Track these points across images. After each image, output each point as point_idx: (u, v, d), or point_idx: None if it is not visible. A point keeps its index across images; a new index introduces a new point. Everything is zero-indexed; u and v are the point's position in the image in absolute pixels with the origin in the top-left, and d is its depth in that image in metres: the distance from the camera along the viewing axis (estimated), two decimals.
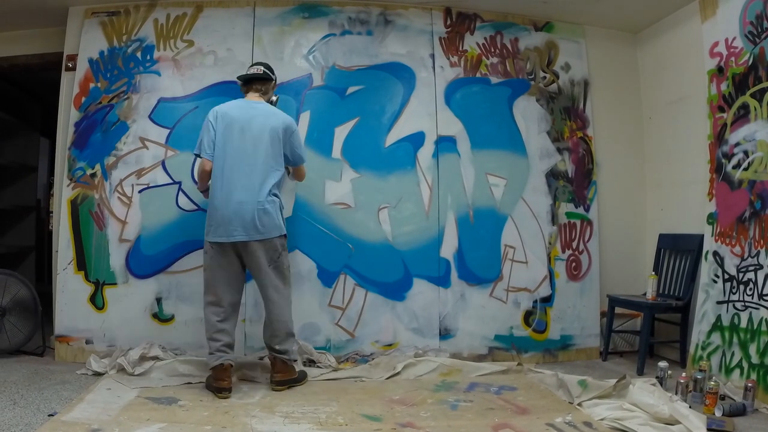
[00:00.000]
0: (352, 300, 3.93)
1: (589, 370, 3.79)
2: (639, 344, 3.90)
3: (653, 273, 3.95)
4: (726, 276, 3.40)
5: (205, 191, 3.36)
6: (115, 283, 3.81)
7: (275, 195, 3.17)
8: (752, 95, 3.29)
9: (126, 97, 3.92)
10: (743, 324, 3.22)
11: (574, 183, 4.26)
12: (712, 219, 3.57)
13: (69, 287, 3.80)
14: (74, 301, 3.78)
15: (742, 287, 3.28)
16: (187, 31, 3.98)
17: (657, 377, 3.27)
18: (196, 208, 3.86)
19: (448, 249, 4.03)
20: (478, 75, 4.18)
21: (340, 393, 3.21)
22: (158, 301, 3.81)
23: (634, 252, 4.41)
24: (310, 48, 4.04)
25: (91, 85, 3.92)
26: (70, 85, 3.96)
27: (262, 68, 3.34)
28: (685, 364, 3.73)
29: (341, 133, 3.99)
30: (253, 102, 3.27)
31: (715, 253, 3.50)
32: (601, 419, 2.74)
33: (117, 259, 3.82)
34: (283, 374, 3.24)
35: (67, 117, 3.94)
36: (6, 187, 5.59)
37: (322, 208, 3.94)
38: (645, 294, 3.95)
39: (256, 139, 3.14)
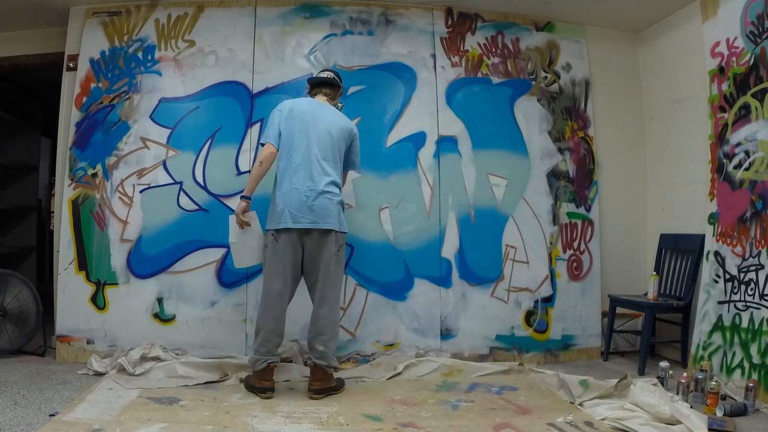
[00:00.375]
0: (353, 300, 3.93)
1: (591, 370, 3.79)
2: (640, 344, 3.90)
3: (654, 273, 3.95)
4: (727, 276, 3.40)
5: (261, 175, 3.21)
6: (116, 283, 3.81)
7: (340, 190, 3.21)
8: (753, 95, 3.29)
9: (127, 97, 3.92)
10: (744, 324, 3.22)
11: (576, 183, 4.26)
12: (713, 219, 3.57)
13: (70, 287, 3.80)
14: (75, 301, 3.78)
15: (743, 287, 3.27)
16: (188, 31, 3.99)
17: (658, 377, 3.27)
18: (197, 208, 3.87)
19: (450, 249, 4.03)
20: (479, 75, 4.18)
21: (341, 393, 3.20)
22: (159, 301, 3.81)
23: (635, 252, 4.41)
24: (312, 48, 4.04)
25: (93, 85, 3.92)
26: (71, 85, 3.96)
27: (332, 75, 3.39)
28: (686, 364, 3.73)
29: None
30: (321, 102, 3.32)
31: (717, 253, 3.50)
32: (603, 419, 2.74)
33: (118, 259, 3.82)
34: (322, 382, 3.15)
35: (69, 117, 3.94)
36: (7, 187, 5.59)
37: None
38: (646, 294, 3.95)
39: (325, 133, 3.16)
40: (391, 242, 3.97)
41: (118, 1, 3.99)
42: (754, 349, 3.12)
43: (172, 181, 3.88)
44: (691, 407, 2.79)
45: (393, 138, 4.04)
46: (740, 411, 2.87)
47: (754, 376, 3.08)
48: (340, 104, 3.46)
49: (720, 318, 3.40)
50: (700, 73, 3.75)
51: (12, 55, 4.34)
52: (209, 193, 3.88)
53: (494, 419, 2.80)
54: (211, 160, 3.90)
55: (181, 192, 3.87)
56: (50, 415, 2.69)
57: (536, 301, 4.13)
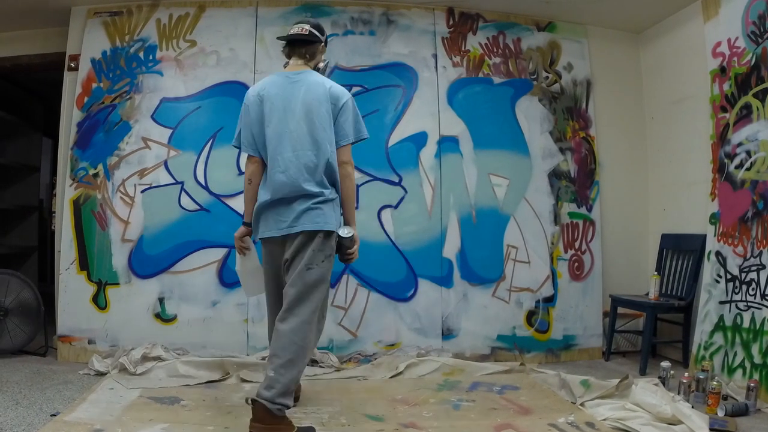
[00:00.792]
0: (355, 300, 3.93)
1: (592, 370, 3.79)
2: (641, 344, 3.90)
3: (656, 273, 3.95)
4: (728, 276, 3.39)
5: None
6: (118, 283, 3.81)
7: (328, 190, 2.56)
8: (755, 95, 3.29)
9: (128, 97, 3.92)
10: (746, 324, 3.22)
11: (577, 183, 4.26)
12: (714, 219, 3.57)
13: (71, 287, 3.80)
14: (77, 301, 3.79)
15: (744, 287, 3.27)
16: (190, 31, 3.99)
17: (659, 377, 3.27)
18: (198, 208, 3.87)
19: (451, 249, 4.03)
20: (480, 75, 4.18)
21: (342, 393, 3.21)
22: (161, 301, 3.81)
23: (636, 252, 4.41)
24: None
25: (94, 85, 3.93)
26: (72, 85, 3.97)
27: (308, 27, 2.67)
28: (687, 364, 3.72)
29: None
30: (294, 73, 2.63)
31: (718, 253, 3.50)
32: (604, 419, 2.74)
33: (119, 259, 3.82)
34: (263, 426, 2.40)
35: (70, 117, 3.94)
36: (8, 187, 5.60)
37: None
38: (647, 294, 3.95)
39: (302, 120, 2.53)
40: (393, 242, 3.97)
41: (119, 1, 3.99)
42: (755, 349, 3.12)
43: (174, 181, 3.88)
44: (692, 407, 2.79)
45: (394, 138, 4.04)
46: (742, 411, 2.87)
47: (756, 376, 3.07)
48: (322, 63, 2.78)
49: (721, 318, 3.40)
50: (701, 73, 3.75)
51: (13, 55, 4.35)
52: (210, 193, 3.89)
53: (495, 419, 2.80)
54: (213, 160, 3.90)
55: (183, 192, 3.87)
56: (51, 415, 2.69)
57: (537, 301, 4.13)
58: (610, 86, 4.43)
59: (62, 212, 3.89)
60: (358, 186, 3.92)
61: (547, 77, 4.28)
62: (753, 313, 3.18)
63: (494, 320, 4.05)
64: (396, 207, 4.00)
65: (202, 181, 3.89)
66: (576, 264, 4.19)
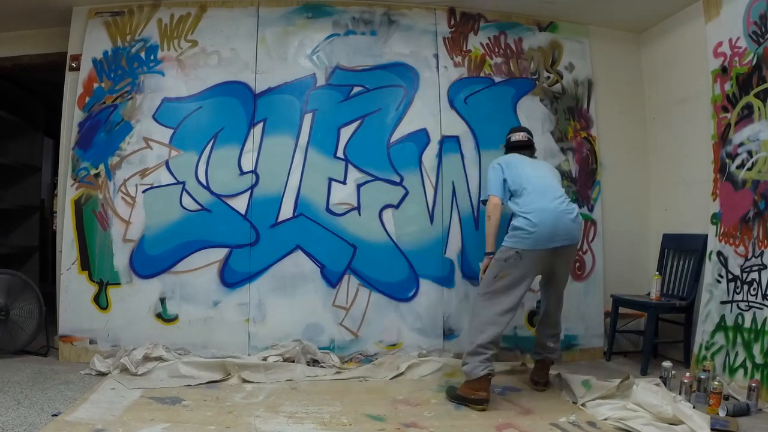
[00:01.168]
0: (356, 300, 3.93)
1: (593, 370, 3.78)
2: (643, 344, 3.90)
3: (657, 273, 3.95)
4: (730, 276, 3.39)
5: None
6: (119, 283, 3.81)
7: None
8: (756, 95, 3.29)
9: (130, 97, 3.92)
10: (747, 324, 3.22)
11: (578, 183, 4.25)
12: (715, 219, 3.57)
13: (73, 287, 3.80)
14: (78, 301, 3.79)
15: (745, 287, 3.27)
16: (191, 31, 3.99)
17: (661, 377, 3.27)
18: (199, 208, 3.87)
19: (452, 249, 4.03)
20: (481, 75, 4.18)
21: (343, 393, 3.21)
22: (162, 301, 3.82)
23: (637, 252, 4.41)
24: (314, 48, 4.04)
25: (95, 85, 3.93)
26: (73, 85, 3.97)
27: (526, 135, 3.53)
28: (688, 364, 3.72)
29: (345, 133, 3.99)
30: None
31: (719, 253, 3.50)
32: (605, 419, 2.74)
33: (121, 259, 3.82)
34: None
35: (71, 117, 3.95)
36: (10, 187, 5.60)
37: (327, 208, 3.94)
38: (649, 294, 3.95)
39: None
40: (394, 242, 3.97)
41: (120, 1, 3.99)
42: (756, 349, 3.12)
43: (175, 181, 3.88)
44: (693, 407, 2.79)
45: (396, 138, 4.03)
46: (743, 411, 2.87)
47: (757, 376, 3.07)
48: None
49: (723, 318, 3.40)
50: (702, 73, 3.75)
51: (14, 55, 4.35)
52: (212, 193, 3.89)
53: (497, 419, 2.80)
54: (214, 160, 3.90)
55: (184, 192, 3.87)
56: (53, 415, 2.69)
57: (539, 301, 4.11)
58: (612, 86, 4.42)
59: (63, 212, 3.89)
60: (359, 185, 3.96)
61: (549, 77, 4.28)
62: (754, 313, 3.18)
63: None
64: (397, 207, 3.99)
65: (204, 181, 3.89)
66: (577, 264, 4.18)
